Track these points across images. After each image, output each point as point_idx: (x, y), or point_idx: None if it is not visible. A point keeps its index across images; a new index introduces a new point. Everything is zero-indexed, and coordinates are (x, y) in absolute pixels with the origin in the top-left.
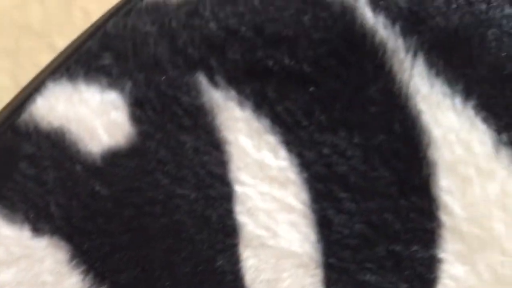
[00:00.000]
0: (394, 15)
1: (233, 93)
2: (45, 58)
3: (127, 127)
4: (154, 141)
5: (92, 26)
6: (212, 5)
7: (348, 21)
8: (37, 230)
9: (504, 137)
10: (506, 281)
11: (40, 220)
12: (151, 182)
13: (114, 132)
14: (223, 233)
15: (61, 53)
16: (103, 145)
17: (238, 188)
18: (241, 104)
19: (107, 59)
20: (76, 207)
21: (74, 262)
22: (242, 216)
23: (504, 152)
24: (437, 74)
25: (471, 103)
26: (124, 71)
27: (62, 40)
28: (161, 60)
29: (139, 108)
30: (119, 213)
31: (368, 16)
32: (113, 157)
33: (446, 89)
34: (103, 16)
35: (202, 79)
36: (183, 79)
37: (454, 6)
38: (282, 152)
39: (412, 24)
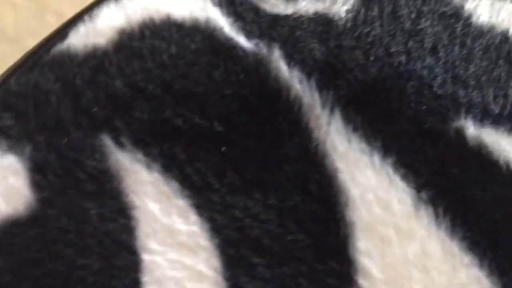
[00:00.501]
0: (309, 69)
1: (140, 155)
2: None
3: (27, 194)
4: (55, 208)
5: None
6: (118, 60)
7: (262, 75)
8: None
9: (424, 195)
10: None
11: None
12: (52, 253)
13: (12, 199)
14: None
15: None
16: (1, 214)
17: (145, 257)
18: (148, 167)
19: (7, 120)
20: None
21: None
22: (150, 287)
23: (423, 211)
24: (355, 130)
25: (389, 160)
26: (24, 133)
27: (34, 42)
28: (63, 121)
29: (39, 173)
30: (17, 286)
31: (283, 69)
32: (11, 226)
33: (364, 146)
34: (7, 70)
35: (107, 141)
36: (87, 141)
37: (372, 58)
38: (193, 217)
39: (328, 77)
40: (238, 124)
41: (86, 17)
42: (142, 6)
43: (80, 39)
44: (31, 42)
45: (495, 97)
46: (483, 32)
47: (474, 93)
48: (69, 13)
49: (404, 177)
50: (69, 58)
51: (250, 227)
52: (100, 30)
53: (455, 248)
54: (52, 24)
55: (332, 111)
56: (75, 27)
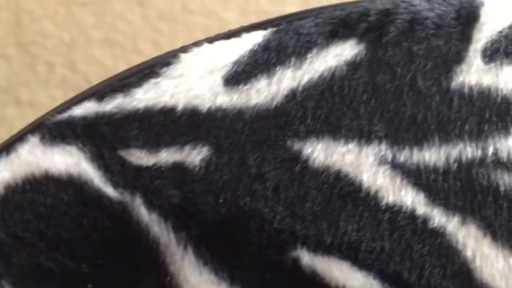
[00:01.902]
0: (166, 213)
1: None
2: (11, 112)
3: None
4: None
5: None
6: (2, 212)
7: (125, 220)
8: None
9: None
10: None
11: None
12: None
13: None
14: None
15: None
16: None
17: None
18: None
19: None
20: None
21: None
22: None
23: None
24: (205, 263)
25: None
26: None
27: (27, 94)
28: None
29: None
30: None
31: (144, 214)
32: None
33: (213, 277)
34: None
35: None
36: None
37: (221, 200)
38: None
39: (183, 219)
40: (103, 265)
41: None
42: (26, 162)
43: None
44: (23, 92)
45: (328, 229)
46: (318, 173)
47: (310, 226)
48: (59, 64)
49: None
50: None
51: None
52: None
53: None
54: (43, 74)
55: (185, 248)
56: None
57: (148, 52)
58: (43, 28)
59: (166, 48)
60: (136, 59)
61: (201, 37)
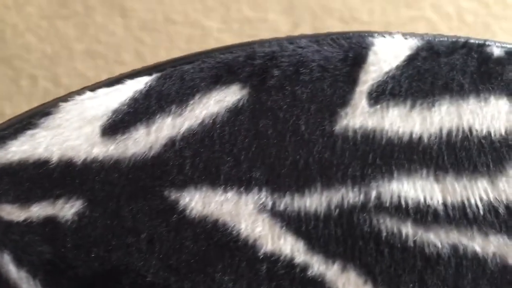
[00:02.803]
0: (36, 269)
1: None
2: None
3: None
4: None
5: None
6: None
7: None
8: None
9: None
10: None
11: None
12: None
13: None
14: None
15: None
16: None
17: None
18: None
19: None
20: None
21: None
22: None
23: None
24: None
25: None
26: None
27: (11, 107)
28: None
29: None
30: None
31: (12, 271)
32: None
33: None
34: None
35: None
36: None
37: (93, 255)
38: None
39: (53, 276)
40: None
41: None
42: None
43: None
44: (6, 105)
45: (203, 281)
46: (195, 223)
47: (185, 279)
48: (42, 77)
49: None
50: None
51: None
52: None
53: None
54: (27, 87)
55: None
56: None
57: (131, 63)
58: (26, 41)
59: (149, 58)
60: (119, 70)
61: (184, 46)
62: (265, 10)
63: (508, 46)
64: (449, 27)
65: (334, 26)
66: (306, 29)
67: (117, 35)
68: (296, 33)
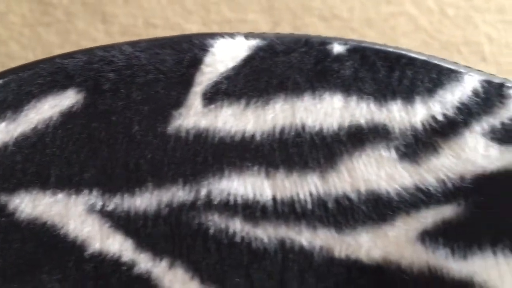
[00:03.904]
0: None
1: None
2: None
3: None
4: None
5: None
6: None
7: None
8: None
9: None
10: None
11: None
12: None
13: None
14: None
15: None
16: None
17: None
18: None
19: None
20: None
21: None
22: None
23: None
24: None
25: None
26: None
27: None
28: None
29: None
30: None
31: None
32: None
33: None
34: None
35: None
36: None
37: None
38: None
39: None
40: None
41: None
42: None
43: None
44: None
45: (32, 283)
46: (23, 225)
47: (12, 281)
48: None
49: None
50: None
51: None
52: None
53: None
54: None
55: None
56: None
57: None
58: (9, 50)
59: None
60: None
61: None
62: (245, 10)
63: (352, 43)
64: (430, 21)
65: (314, 24)
66: (286, 28)
67: (98, 41)
68: (276, 32)
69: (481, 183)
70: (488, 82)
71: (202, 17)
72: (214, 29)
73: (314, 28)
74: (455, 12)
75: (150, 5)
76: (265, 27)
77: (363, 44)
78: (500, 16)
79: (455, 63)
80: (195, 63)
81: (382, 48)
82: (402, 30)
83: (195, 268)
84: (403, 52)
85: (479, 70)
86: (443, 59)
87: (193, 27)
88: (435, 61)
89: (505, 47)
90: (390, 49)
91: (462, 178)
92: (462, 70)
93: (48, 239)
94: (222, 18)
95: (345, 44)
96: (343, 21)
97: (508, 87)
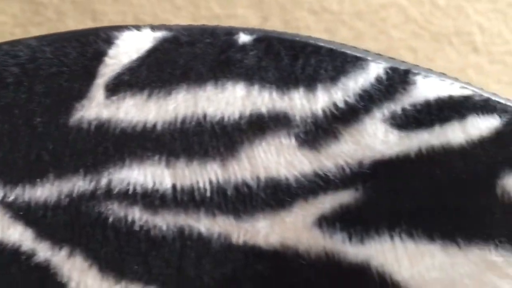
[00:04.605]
0: None
1: None
2: None
3: None
4: None
5: None
6: None
7: None
8: None
9: None
10: None
11: None
12: None
13: None
14: None
15: None
16: None
17: None
18: None
19: None
20: None
21: None
22: None
23: None
24: None
25: None
26: None
27: None
28: None
29: None
30: None
31: None
32: None
33: None
34: None
35: None
36: None
37: None
38: None
39: None
40: None
41: None
42: None
43: None
44: None
45: None
46: None
47: None
48: None
49: None
50: None
51: None
52: None
53: None
54: None
55: None
56: None
57: None
58: None
59: None
60: None
61: None
62: (234, 6)
63: (260, 33)
64: (421, 12)
65: (304, 18)
66: (276, 22)
67: None
68: (266, 27)
69: (379, 169)
70: (394, 69)
71: (191, 13)
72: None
73: (304, 22)
74: (446, 2)
75: (139, 2)
76: (254, 22)
77: (270, 34)
78: (492, 5)
79: (366, 51)
80: (99, 55)
81: (288, 37)
82: (392, 22)
83: (94, 256)
84: (310, 41)
85: (390, 58)
86: (354, 47)
87: (182, 23)
88: (343, 50)
89: (497, 37)
90: (297, 38)
91: (360, 164)
92: (369, 58)
93: None
94: (211, 14)
95: (251, 34)
96: (333, 14)
97: (414, 74)
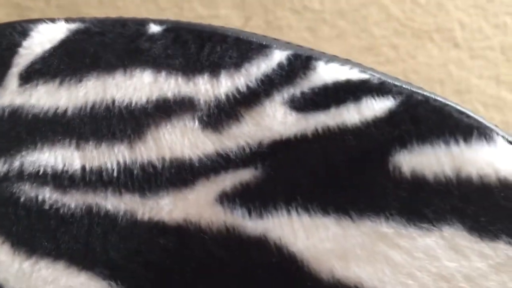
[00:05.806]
0: None
1: None
2: None
3: None
4: None
5: None
6: None
7: None
8: None
9: None
10: None
11: None
12: None
13: None
14: None
15: None
16: None
17: None
18: None
19: None
20: None
21: None
22: None
23: None
24: None
25: None
26: None
27: None
28: None
29: None
30: None
31: None
32: None
33: None
34: None
35: None
36: None
37: None
38: None
39: None
40: None
41: None
42: None
43: None
44: None
45: None
46: None
47: None
48: None
49: None
50: None
51: None
52: None
53: None
54: None
55: None
56: None
57: None
58: None
59: None
60: None
61: None
62: (217, 6)
63: (169, 24)
64: (402, 10)
65: (286, 17)
66: (259, 22)
67: None
68: (248, 26)
69: (277, 148)
70: (296, 56)
71: (175, 14)
72: None
73: (286, 21)
74: (427, 0)
75: (124, 4)
76: (237, 22)
77: (180, 24)
78: (472, 1)
79: (275, 39)
80: (14, 46)
81: (198, 27)
82: (373, 20)
83: (7, 234)
84: (218, 31)
85: (299, 46)
86: (263, 36)
87: None
88: (250, 38)
89: (478, 32)
90: (206, 28)
91: (260, 144)
92: (274, 45)
93: None
94: (195, 15)
95: (161, 24)
96: (315, 13)
97: (316, 59)
